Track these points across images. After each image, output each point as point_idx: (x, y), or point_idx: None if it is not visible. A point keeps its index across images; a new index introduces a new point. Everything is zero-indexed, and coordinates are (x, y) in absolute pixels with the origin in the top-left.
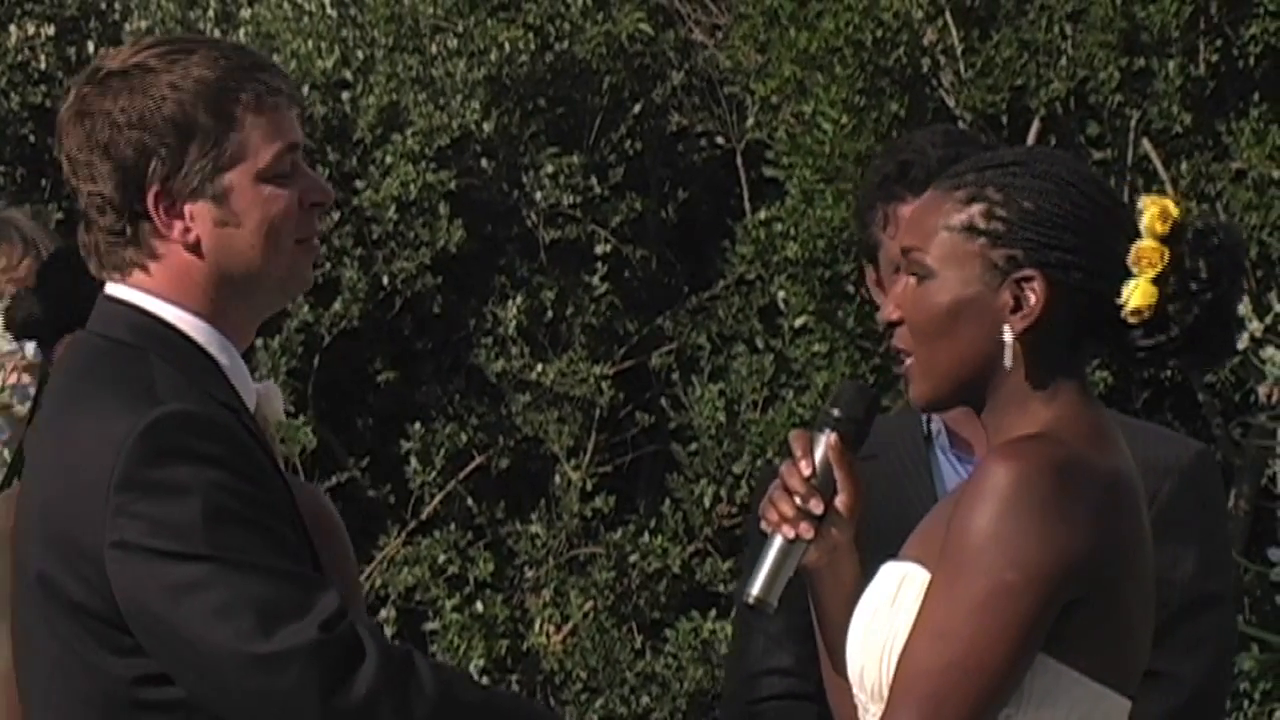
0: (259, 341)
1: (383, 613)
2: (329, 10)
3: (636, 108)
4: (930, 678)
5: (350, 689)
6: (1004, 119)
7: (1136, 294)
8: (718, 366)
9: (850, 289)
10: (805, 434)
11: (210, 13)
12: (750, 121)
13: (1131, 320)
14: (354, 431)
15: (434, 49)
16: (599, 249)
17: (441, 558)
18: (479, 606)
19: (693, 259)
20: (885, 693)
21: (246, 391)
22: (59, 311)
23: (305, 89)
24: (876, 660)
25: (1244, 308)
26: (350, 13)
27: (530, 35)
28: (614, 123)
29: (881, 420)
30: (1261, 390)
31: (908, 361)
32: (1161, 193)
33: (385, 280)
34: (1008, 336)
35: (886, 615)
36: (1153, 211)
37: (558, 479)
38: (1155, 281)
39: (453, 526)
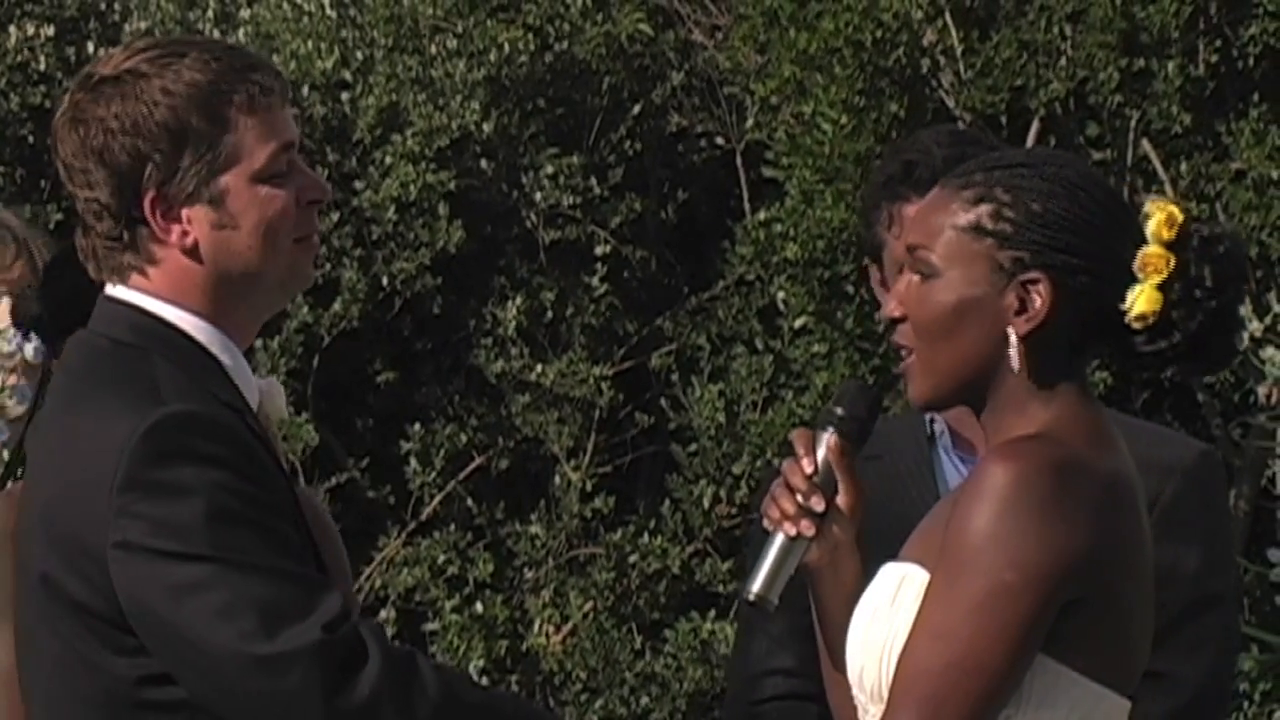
0: (258, 342)
1: (382, 613)
2: (328, 11)
3: (636, 108)
4: (930, 678)
5: (353, 690)
6: (1003, 119)
7: (1141, 300)
8: (717, 367)
9: (850, 290)
10: (807, 432)
11: (209, 13)
12: (750, 122)
13: (1136, 325)
14: (354, 432)
15: (433, 49)
16: (599, 249)
17: (441, 558)
18: (479, 607)
19: (692, 260)
20: (885, 693)
21: (250, 391)
22: (64, 310)
23: (305, 89)
24: (876, 660)
25: (1243, 308)
26: (350, 13)
27: (530, 36)
28: (614, 123)
29: (885, 420)
30: (1261, 390)
31: (908, 358)
32: (1161, 193)
33: (385, 281)
34: (1013, 338)
35: (886, 616)
36: (1159, 217)
37: (557, 479)
38: (1160, 287)
39: (452, 527)
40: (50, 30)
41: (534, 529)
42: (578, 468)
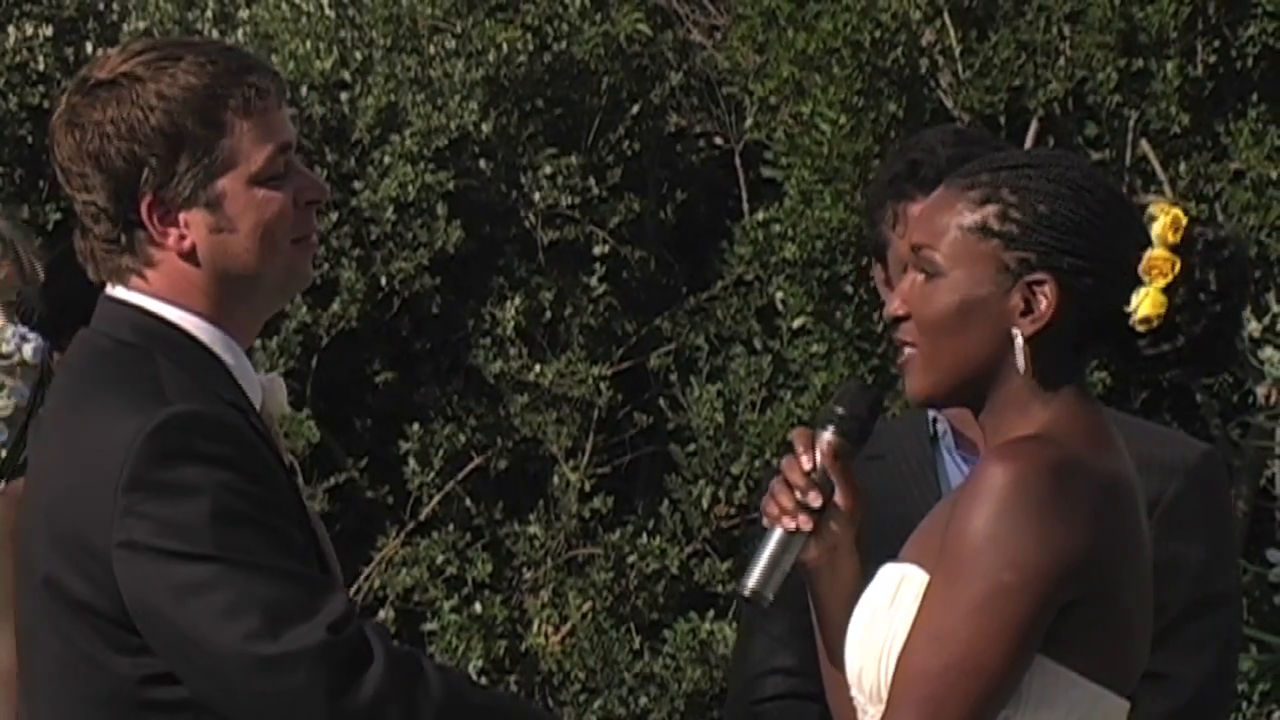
0: (257, 342)
1: (381, 613)
2: (327, 11)
3: (635, 108)
4: (929, 679)
5: (358, 691)
6: (1002, 120)
7: (1146, 302)
8: (716, 367)
9: (848, 290)
10: (808, 431)
11: (208, 13)
12: (748, 122)
13: (1140, 328)
14: (352, 432)
15: (432, 49)
16: (597, 250)
17: (440, 558)
18: (477, 607)
19: (691, 260)
20: (883, 694)
21: (253, 390)
22: (65, 310)
23: (303, 90)
24: (875, 661)
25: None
26: (348, 13)
27: (528, 36)
28: (612, 123)
29: (887, 420)
30: (1260, 390)
31: (909, 352)
32: (1160, 193)
33: (383, 281)
34: (1019, 339)
35: (885, 616)
36: (1164, 220)
37: (556, 480)
38: (1165, 291)
39: (451, 527)
40: (48, 30)
41: (532, 529)
42: (576, 468)
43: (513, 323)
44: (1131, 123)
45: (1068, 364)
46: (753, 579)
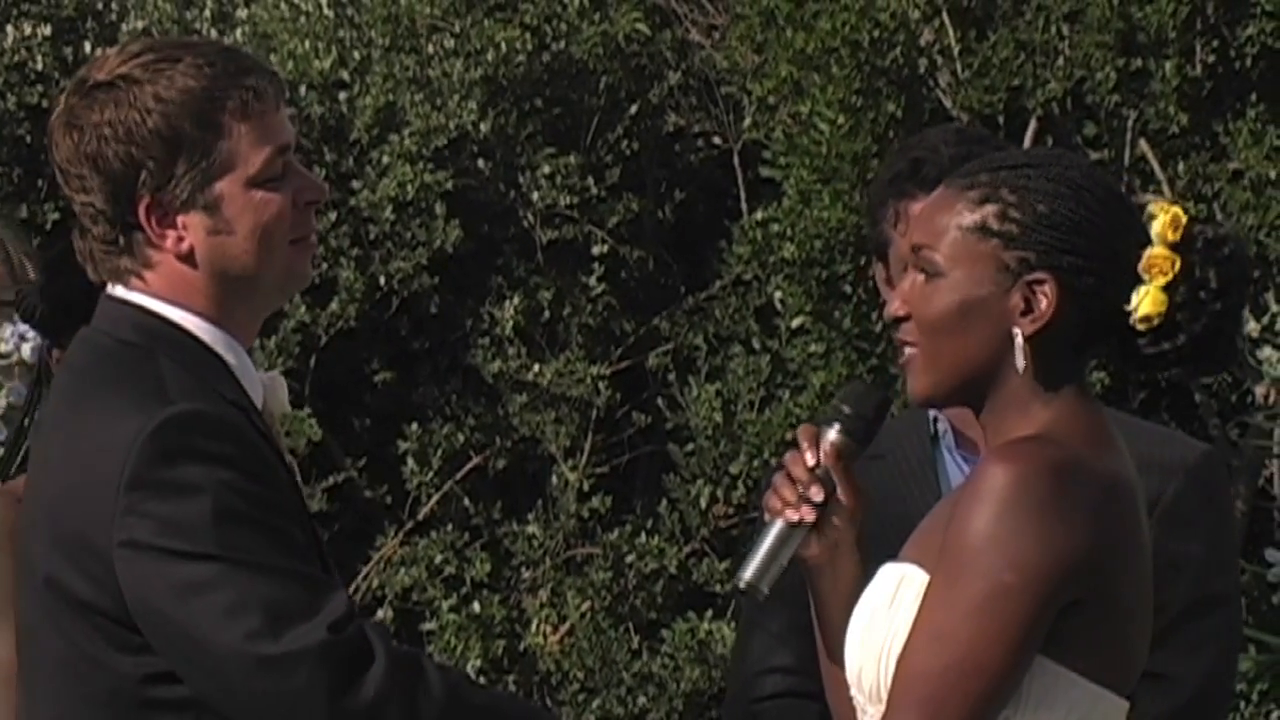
0: (256, 342)
1: (379, 613)
2: (326, 10)
3: (633, 108)
4: (929, 680)
5: (358, 691)
6: (1001, 119)
7: (1147, 301)
8: (714, 367)
9: (847, 290)
10: (813, 427)
11: (207, 13)
12: (747, 122)
13: (1140, 327)
14: (351, 432)
15: (431, 49)
16: (596, 249)
17: (438, 558)
18: (476, 607)
19: (689, 259)
20: (883, 694)
21: (254, 390)
22: (66, 310)
23: (302, 89)
24: (875, 661)
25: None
26: (347, 13)
27: (527, 35)
28: (611, 123)
29: (888, 420)
30: (1259, 390)
31: (909, 353)
32: (1158, 193)
33: (382, 280)
34: (1019, 339)
35: (885, 616)
36: (1164, 219)
37: (555, 479)
38: (1165, 289)
39: (450, 527)
40: (47, 30)
41: (531, 529)
42: (575, 467)
43: (511, 322)
44: (1130, 122)
45: (1068, 363)
46: (749, 571)
